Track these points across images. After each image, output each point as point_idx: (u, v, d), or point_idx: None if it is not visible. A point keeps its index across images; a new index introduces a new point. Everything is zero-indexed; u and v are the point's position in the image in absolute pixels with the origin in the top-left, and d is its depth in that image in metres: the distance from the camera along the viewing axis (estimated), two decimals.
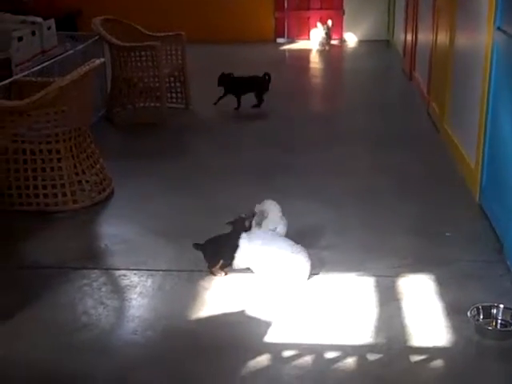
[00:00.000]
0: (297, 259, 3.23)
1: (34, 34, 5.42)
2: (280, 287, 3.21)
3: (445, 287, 3.17)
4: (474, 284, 3.19)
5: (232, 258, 3.30)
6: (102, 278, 3.34)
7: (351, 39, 10.51)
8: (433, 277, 3.27)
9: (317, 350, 2.73)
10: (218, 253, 3.33)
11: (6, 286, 3.28)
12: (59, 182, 4.08)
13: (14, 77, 4.76)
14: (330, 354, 2.70)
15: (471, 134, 4.32)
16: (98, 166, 4.37)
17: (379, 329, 2.87)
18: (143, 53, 6.02)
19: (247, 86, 6.49)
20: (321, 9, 10.46)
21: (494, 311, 2.92)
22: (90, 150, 4.34)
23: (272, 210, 3.53)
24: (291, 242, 3.31)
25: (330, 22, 9.81)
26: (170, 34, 6.48)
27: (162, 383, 2.59)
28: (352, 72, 8.66)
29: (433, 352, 2.72)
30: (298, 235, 3.54)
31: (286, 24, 10.51)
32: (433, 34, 5.99)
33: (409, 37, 7.74)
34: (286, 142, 5.48)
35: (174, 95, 6.62)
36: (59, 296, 3.19)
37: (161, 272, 3.36)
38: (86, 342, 2.83)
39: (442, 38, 5.55)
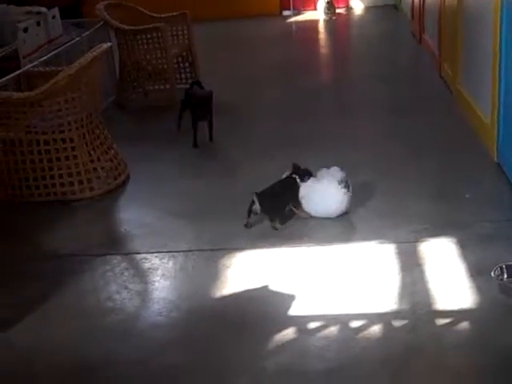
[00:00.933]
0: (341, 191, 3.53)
1: (39, 24, 5.41)
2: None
3: (466, 249, 3.15)
4: (495, 244, 3.17)
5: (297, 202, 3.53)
6: (124, 262, 3.37)
7: (357, 6, 10.36)
8: (454, 239, 3.25)
9: (341, 320, 2.73)
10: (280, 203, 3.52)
11: (31, 276, 3.31)
12: (75, 171, 4.10)
13: (23, 68, 4.77)
14: (354, 323, 2.71)
15: (485, 92, 4.26)
16: (112, 151, 4.37)
17: (403, 295, 2.86)
18: (149, 35, 5.99)
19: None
20: None
21: None
22: (102, 136, 4.34)
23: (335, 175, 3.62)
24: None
25: None
26: (175, 13, 6.42)
27: (190, 363, 2.61)
28: (360, 39, 8.56)
29: (458, 315, 2.72)
30: None
31: None
32: None
33: None
34: (298, 114, 5.44)
35: (183, 76, 6.58)
36: (83, 283, 3.22)
37: (181, 253, 3.37)
38: (111, 327, 2.86)
39: None
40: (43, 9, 5.66)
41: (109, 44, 4.54)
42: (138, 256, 3.40)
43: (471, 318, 2.70)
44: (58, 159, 4.08)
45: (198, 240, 3.50)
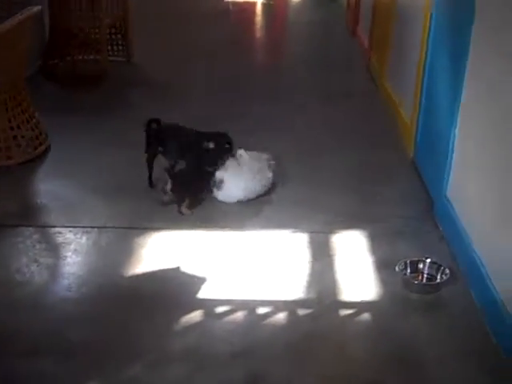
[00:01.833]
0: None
1: None
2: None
3: (376, 243, 3.27)
4: (403, 240, 3.30)
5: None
6: (36, 235, 3.32)
7: None
8: (365, 233, 3.36)
9: (249, 306, 2.79)
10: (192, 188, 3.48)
11: None
12: None
13: None
14: (261, 310, 2.77)
15: (408, 90, 4.39)
16: (33, 120, 4.28)
17: (310, 284, 2.95)
18: (83, 1, 5.85)
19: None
20: None
21: (421, 266, 3.03)
22: (25, 103, 4.23)
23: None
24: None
25: None
26: None
27: (99, 339, 2.61)
28: (296, 25, 8.63)
29: (361, 306, 2.82)
30: None
31: None
32: None
33: None
34: (226, 96, 5.46)
35: (115, 47, 6.48)
36: None
37: (96, 229, 3.35)
38: (19, 300, 2.82)
39: None
40: None
41: (38, 7, 4.40)
42: (52, 230, 3.36)
43: (373, 309, 2.81)
44: None
45: (114, 217, 3.49)
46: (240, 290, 2.90)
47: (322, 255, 3.17)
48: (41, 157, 4.20)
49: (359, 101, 5.43)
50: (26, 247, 3.20)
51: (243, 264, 3.11)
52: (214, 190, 3.64)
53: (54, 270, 3.05)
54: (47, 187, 3.87)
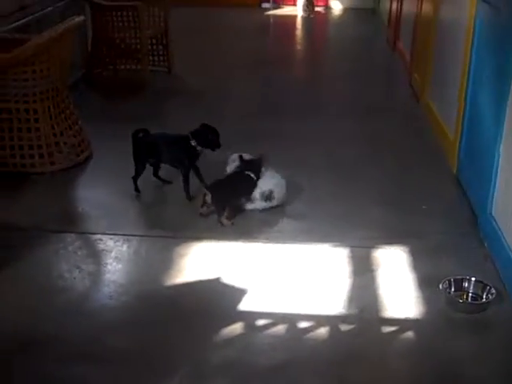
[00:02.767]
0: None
1: None
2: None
3: (418, 259, 3.21)
4: (447, 256, 3.23)
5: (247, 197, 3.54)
6: (78, 241, 3.33)
7: (336, 6, 10.41)
8: (407, 248, 3.30)
9: (290, 319, 2.75)
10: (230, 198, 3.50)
11: None
12: (36, 143, 4.04)
13: None
14: (302, 324, 2.74)
15: (451, 105, 4.33)
16: (76, 127, 4.32)
17: (352, 299, 2.90)
18: (125, 13, 5.94)
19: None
20: None
21: (466, 284, 2.96)
22: (68, 110, 4.28)
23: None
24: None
25: None
26: None
27: (136, 348, 2.60)
28: (336, 40, 8.61)
29: (403, 323, 2.77)
30: None
31: None
32: (417, 3, 5.95)
33: (394, 6, 7.68)
34: (267, 109, 5.45)
35: (156, 58, 6.54)
36: (35, 259, 3.18)
37: (137, 237, 3.36)
38: (60, 306, 2.83)
39: (427, 8, 5.52)
40: None
41: (82, 17, 4.47)
42: (93, 236, 3.37)
43: (416, 327, 2.75)
44: (20, 130, 4.02)
45: (155, 225, 3.49)
46: (281, 304, 2.87)
47: (363, 270, 3.12)
48: (83, 163, 4.24)
49: (401, 116, 5.37)
50: (67, 253, 3.21)
51: (284, 277, 3.08)
52: (259, 201, 3.61)
53: (95, 277, 3.05)
54: (89, 194, 3.90)
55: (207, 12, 9.54)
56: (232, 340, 2.64)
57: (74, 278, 3.01)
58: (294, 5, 10.08)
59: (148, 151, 3.82)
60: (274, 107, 5.52)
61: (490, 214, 3.31)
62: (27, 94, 3.99)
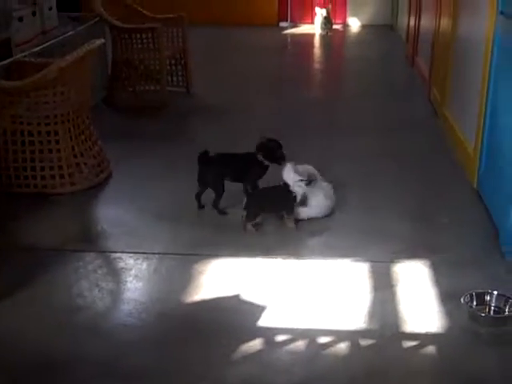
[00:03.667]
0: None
1: (34, 14, 5.39)
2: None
3: (439, 273, 3.18)
4: (468, 270, 3.20)
5: (291, 208, 3.58)
6: (98, 260, 3.35)
7: (354, 24, 10.45)
8: (428, 263, 3.27)
9: (310, 335, 2.73)
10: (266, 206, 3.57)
11: (3, 267, 3.28)
12: (57, 164, 4.08)
13: (14, 57, 4.75)
14: (322, 339, 2.71)
15: (471, 120, 4.31)
16: (96, 148, 4.36)
17: (372, 314, 2.87)
18: (144, 35, 6.01)
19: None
20: None
21: (488, 298, 2.92)
22: (88, 132, 4.33)
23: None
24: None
25: (329, 8, 9.77)
26: (172, 16, 6.45)
27: (156, 366, 2.59)
28: (354, 57, 8.62)
29: (425, 338, 2.73)
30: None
31: (289, 8, 10.45)
32: (435, 19, 5.95)
33: (412, 22, 7.69)
34: (289, 126, 5.46)
35: (175, 78, 6.61)
36: (55, 278, 3.20)
37: (157, 255, 3.37)
38: (80, 324, 2.84)
39: (445, 23, 5.51)
40: None
41: (102, 40, 4.53)
42: (113, 255, 3.39)
43: (438, 342, 2.72)
44: (41, 151, 4.07)
45: (175, 243, 3.50)
46: (300, 319, 2.85)
47: (383, 285, 3.09)
48: (103, 183, 4.28)
49: (420, 131, 5.35)
50: (87, 272, 3.23)
51: (303, 293, 3.06)
52: (298, 208, 3.66)
53: (114, 296, 3.06)
54: (108, 213, 3.92)
55: (225, 32, 9.63)
56: (251, 356, 2.62)
57: (94, 297, 3.02)
58: (312, 23, 10.13)
59: (220, 170, 3.81)
60: (296, 124, 5.53)
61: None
62: (48, 115, 4.05)
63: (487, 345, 2.73)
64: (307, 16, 10.34)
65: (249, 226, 3.56)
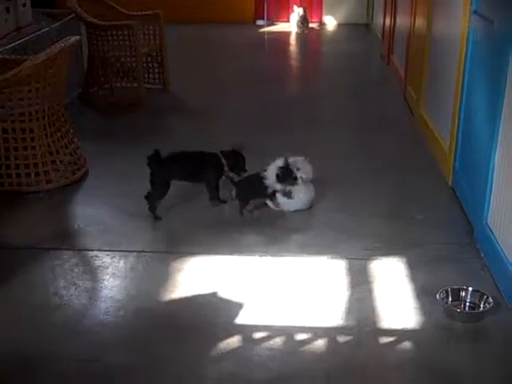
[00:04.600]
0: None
1: (8, 10, 5.35)
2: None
3: (415, 270, 3.21)
4: (444, 267, 3.23)
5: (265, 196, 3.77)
6: (74, 258, 3.33)
7: (330, 22, 10.48)
8: (404, 259, 3.30)
9: (287, 332, 2.75)
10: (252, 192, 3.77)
11: None
12: (32, 162, 4.05)
13: None
14: (300, 336, 2.73)
15: (446, 118, 4.35)
16: (72, 145, 4.34)
17: (349, 311, 2.90)
18: (120, 32, 5.96)
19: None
20: None
21: (463, 294, 2.96)
22: (64, 129, 4.30)
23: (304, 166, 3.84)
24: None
25: (305, 6, 9.82)
26: (148, 13, 6.41)
27: (134, 363, 2.59)
28: (330, 55, 8.66)
29: (402, 334, 2.76)
30: (270, 216, 3.58)
31: (265, 6, 10.46)
32: (411, 18, 5.99)
33: (387, 21, 7.74)
34: (264, 124, 5.47)
35: (151, 75, 6.58)
36: (31, 276, 3.18)
37: (134, 253, 3.36)
38: (57, 323, 2.83)
39: (420, 22, 5.56)
40: None
41: (77, 37, 4.49)
42: (90, 253, 3.37)
43: (414, 338, 2.74)
44: (16, 149, 4.03)
45: (152, 241, 3.49)
46: (278, 316, 2.86)
47: (360, 282, 3.12)
48: (79, 181, 4.25)
49: (396, 129, 5.39)
50: (63, 270, 3.21)
51: (281, 290, 3.07)
52: (281, 198, 3.79)
53: (91, 294, 3.05)
54: (85, 211, 3.90)
55: (202, 29, 9.61)
56: (229, 353, 2.63)
57: (71, 295, 3.00)
58: (288, 21, 10.15)
59: (172, 170, 3.78)
60: (272, 122, 5.54)
61: (486, 224, 3.31)
62: (23, 113, 4.01)
63: (462, 340, 2.76)
64: (284, 14, 10.36)
65: (245, 211, 3.74)
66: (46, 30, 5.54)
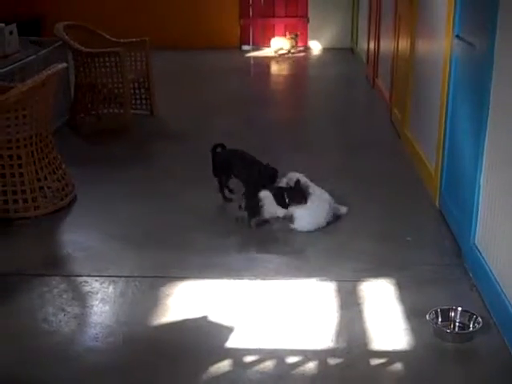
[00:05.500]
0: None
1: None
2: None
3: (405, 291, 3.22)
4: (433, 288, 3.25)
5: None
6: (63, 284, 3.32)
7: (315, 47, 10.59)
8: (393, 281, 3.31)
9: (278, 355, 2.74)
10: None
11: None
12: (20, 188, 4.04)
13: None
14: (290, 359, 2.72)
15: (431, 139, 4.40)
16: (60, 171, 4.33)
17: (340, 333, 2.90)
18: (107, 59, 5.99)
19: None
20: (286, 16, 10.54)
21: (452, 314, 2.97)
22: (52, 155, 4.30)
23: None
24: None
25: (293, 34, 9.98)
26: (135, 40, 6.46)
27: None
28: (316, 79, 8.73)
29: (392, 355, 2.76)
30: (262, 239, 3.57)
31: (251, 31, 10.57)
32: (394, 41, 6.08)
33: (372, 45, 7.84)
34: (250, 149, 5.47)
35: (138, 102, 6.60)
36: (19, 303, 3.16)
37: (123, 278, 3.35)
38: (46, 349, 2.80)
39: (404, 45, 5.64)
40: (0, 24, 5.61)
41: (64, 64, 4.52)
42: (79, 279, 3.36)
43: (405, 359, 2.75)
44: (3, 176, 4.02)
45: (141, 266, 3.48)
46: (269, 340, 2.85)
47: (350, 304, 3.12)
48: (67, 207, 4.24)
49: (382, 151, 5.43)
50: (52, 297, 3.19)
51: (271, 313, 3.07)
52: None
53: (80, 320, 3.03)
54: (73, 237, 3.89)
55: (188, 55, 9.68)
56: (220, 378, 2.62)
57: (60, 321, 2.98)
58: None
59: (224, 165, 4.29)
60: (259, 146, 5.54)
61: (474, 244, 3.34)
62: (10, 139, 4.01)
63: (452, 361, 2.77)
64: (269, 40, 10.46)
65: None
66: (32, 57, 5.55)
